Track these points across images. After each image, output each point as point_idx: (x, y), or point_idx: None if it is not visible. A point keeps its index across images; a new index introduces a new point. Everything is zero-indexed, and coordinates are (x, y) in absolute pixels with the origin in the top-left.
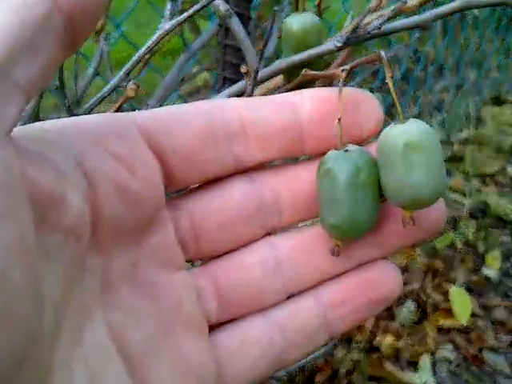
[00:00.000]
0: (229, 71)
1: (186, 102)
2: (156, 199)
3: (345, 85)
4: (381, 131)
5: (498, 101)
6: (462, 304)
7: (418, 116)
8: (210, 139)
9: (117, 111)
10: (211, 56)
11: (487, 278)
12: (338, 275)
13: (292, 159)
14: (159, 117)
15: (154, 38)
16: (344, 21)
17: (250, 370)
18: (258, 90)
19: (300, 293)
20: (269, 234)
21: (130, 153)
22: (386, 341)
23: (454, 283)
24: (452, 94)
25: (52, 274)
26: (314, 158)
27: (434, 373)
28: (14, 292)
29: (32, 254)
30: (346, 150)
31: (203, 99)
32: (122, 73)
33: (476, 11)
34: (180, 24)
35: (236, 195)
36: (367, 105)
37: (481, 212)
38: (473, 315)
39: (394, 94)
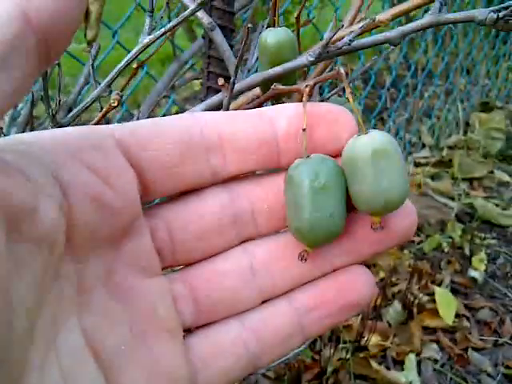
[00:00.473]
0: (213, 81)
1: (181, 107)
2: (132, 209)
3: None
4: None
5: (486, 107)
6: (447, 305)
7: (409, 121)
8: (187, 152)
9: (100, 120)
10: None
11: (473, 280)
12: (313, 280)
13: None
14: (137, 130)
15: (133, 51)
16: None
17: (224, 373)
18: (240, 99)
19: (275, 298)
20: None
21: (107, 165)
22: (373, 340)
23: (441, 284)
24: (441, 100)
25: (24, 280)
26: None
27: (420, 372)
28: None
29: (1, 262)
30: (308, 157)
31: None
32: (103, 84)
33: None
34: (158, 38)
35: (212, 205)
36: (342, 118)
37: (468, 215)
38: (458, 316)
39: (355, 109)
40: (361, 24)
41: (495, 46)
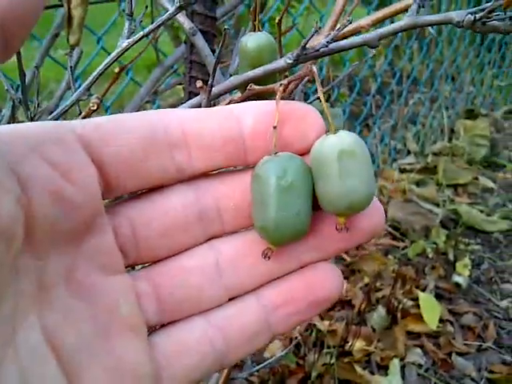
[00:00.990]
0: (194, 86)
1: None
2: (93, 205)
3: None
4: None
5: (471, 114)
6: (430, 309)
7: (394, 128)
8: (151, 148)
9: None
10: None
11: (457, 285)
12: (280, 277)
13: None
14: (100, 125)
15: (112, 55)
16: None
17: (189, 371)
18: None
19: (242, 295)
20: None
21: (67, 160)
22: (357, 345)
23: (425, 290)
24: (426, 107)
25: None
26: None
27: (404, 376)
28: None
29: None
30: (276, 153)
31: None
32: (81, 88)
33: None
34: (137, 42)
35: (177, 202)
36: (310, 117)
37: (453, 221)
38: (442, 321)
39: (326, 109)
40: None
41: (480, 54)
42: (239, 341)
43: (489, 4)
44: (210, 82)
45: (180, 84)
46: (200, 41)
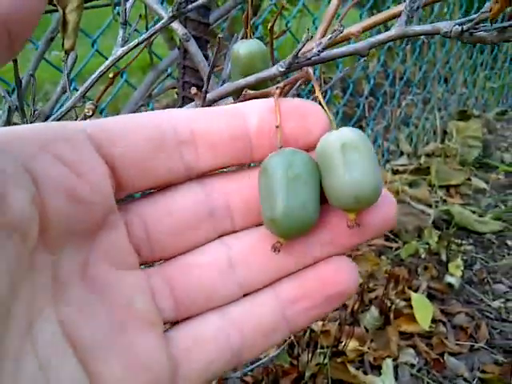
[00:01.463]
0: (188, 91)
1: None
2: (105, 202)
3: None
4: None
5: (464, 115)
6: (423, 310)
7: (387, 129)
8: (160, 147)
9: None
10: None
11: (449, 286)
12: (295, 272)
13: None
14: (109, 125)
15: (106, 63)
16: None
17: (206, 367)
18: None
19: (257, 290)
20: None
21: (78, 158)
22: (351, 345)
23: (418, 290)
24: (419, 109)
25: None
26: None
27: (397, 376)
28: None
29: None
30: (281, 147)
31: None
32: (77, 94)
33: None
34: (131, 50)
35: (187, 200)
36: (313, 113)
37: (445, 222)
38: (435, 321)
39: (325, 108)
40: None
41: (472, 56)
42: (256, 336)
43: (476, 15)
44: (204, 89)
45: (174, 88)
46: (193, 47)
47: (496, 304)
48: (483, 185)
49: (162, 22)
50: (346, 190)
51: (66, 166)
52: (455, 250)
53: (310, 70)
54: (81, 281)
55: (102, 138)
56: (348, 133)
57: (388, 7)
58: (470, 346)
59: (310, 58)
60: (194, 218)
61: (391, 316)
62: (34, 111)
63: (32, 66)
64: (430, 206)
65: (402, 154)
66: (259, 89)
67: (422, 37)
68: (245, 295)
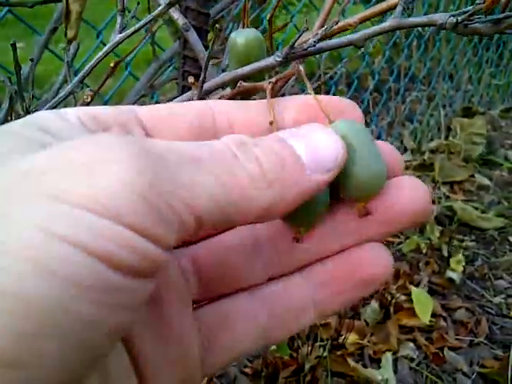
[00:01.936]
0: (187, 80)
1: None
2: None
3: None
4: None
5: (468, 112)
6: (423, 304)
7: (391, 125)
8: (199, 136)
9: None
10: None
11: (450, 281)
12: (325, 258)
13: None
14: (157, 110)
15: (104, 49)
16: None
17: (233, 344)
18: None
19: (286, 274)
20: None
21: None
22: (351, 338)
23: (419, 285)
24: (424, 105)
25: None
26: None
27: (396, 370)
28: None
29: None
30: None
31: None
32: (75, 80)
33: None
34: (128, 37)
35: None
36: (349, 109)
37: (448, 218)
38: (435, 316)
39: (319, 104)
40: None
41: (478, 52)
42: (284, 317)
43: (470, 7)
44: (201, 78)
45: (175, 79)
46: (193, 36)
47: (497, 300)
48: (487, 182)
49: (159, 9)
50: (349, 180)
51: None
52: (457, 245)
53: (301, 67)
54: None
55: (150, 121)
56: (341, 125)
57: None
58: (469, 340)
59: (306, 49)
60: None
61: (391, 310)
62: (33, 96)
63: (36, 55)
64: (433, 201)
65: (405, 150)
66: (257, 78)
67: (427, 33)
68: (273, 279)
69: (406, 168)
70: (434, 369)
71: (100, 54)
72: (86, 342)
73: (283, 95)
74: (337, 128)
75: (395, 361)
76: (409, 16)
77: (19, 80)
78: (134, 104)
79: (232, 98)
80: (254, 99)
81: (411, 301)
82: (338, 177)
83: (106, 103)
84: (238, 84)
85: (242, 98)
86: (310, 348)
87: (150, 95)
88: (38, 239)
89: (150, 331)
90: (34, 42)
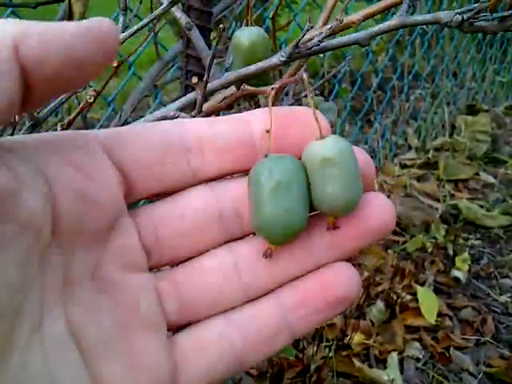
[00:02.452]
0: (191, 80)
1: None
2: (115, 204)
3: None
4: None
5: (472, 109)
6: (429, 304)
7: (395, 123)
8: (167, 153)
9: (77, 115)
10: None
11: (456, 280)
12: (298, 278)
13: None
14: (120, 133)
15: None
16: None
17: (207, 370)
18: (218, 96)
19: (261, 295)
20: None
21: (90, 162)
22: (356, 339)
23: (424, 284)
24: (428, 103)
25: (9, 259)
26: None
27: (402, 370)
28: None
29: None
30: (266, 156)
31: None
32: None
33: None
34: (130, 36)
35: (197, 203)
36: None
37: (453, 216)
38: (441, 315)
39: (314, 114)
40: (329, 26)
41: (481, 49)
42: (258, 341)
43: (476, 5)
44: (205, 78)
45: (179, 78)
46: (196, 35)
47: (503, 298)
48: (491, 179)
49: (162, 7)
50: (323, 201)
51: (78, 170)
52: (462, 244)
53: (305, 75)
54: (90, 281)
55: (113, 144)
56: (329, 145)
57: None
58: (475, 340)
59: (310, 48)
60: (204, 220)
61: (397, 310)
62: None
63: None
64: (437, 200)
65: (410, 148)
66: (261, 76)
67: (430, 30)
68: (249, 301)
69: (411, 166)
70: (440, 368)
71: None
72: None
73: (287, 93)
74: (323, 144)
75: (401, 361)
76: (412, 14)
77: None
78: (137, 104)
79: (236, 100)
80: (259, 100)
81: (417, 300)
82: (315, 191)
83: (109, 103)
84: (242, 87)
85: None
86: (315, 348)
87: (153, 95)
88: None
89: (118, 359)
90: None
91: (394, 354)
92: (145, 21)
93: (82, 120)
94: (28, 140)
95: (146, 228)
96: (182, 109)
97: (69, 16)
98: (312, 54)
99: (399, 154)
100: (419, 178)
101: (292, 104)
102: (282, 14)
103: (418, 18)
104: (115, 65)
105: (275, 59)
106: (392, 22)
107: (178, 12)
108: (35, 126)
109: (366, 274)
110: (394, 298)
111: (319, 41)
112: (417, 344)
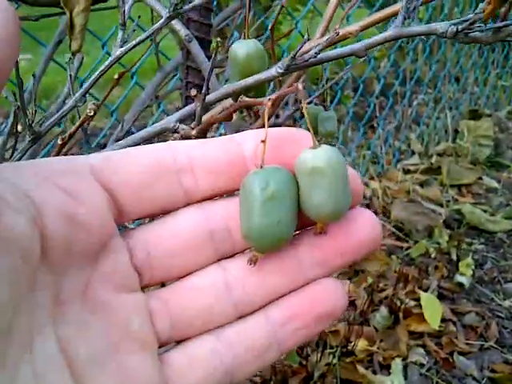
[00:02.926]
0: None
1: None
2: (105, 225)
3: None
4: None
5: (475, 114)
6: (432, 309)
7: (398, 129)
8: (158, 175)
9: (78, 129)
10: None
11: (460, 285)
12: (286, 294)
13: None
14: (110, 156)
15: (106, 63)
16: None
17: None
18: (217, 107)
19: (250, 312)
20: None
21: (79, 186)
22: (360, 345)
23: (428, 290)
24: (430, 108)
25: None
26: None
27: (406, 376)
28: None
29: None
30: (262, 166)
31: None
32: (76, 95)
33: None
34: (129, 50)
35: (188, 223)
36: (304, 139)
37: (456, 221)
38: (445, 320)
39: (308, 124)
40: (326, 37)
41: (483, 54)
42: (248, 356)
43: (470, 16)
44: (203, 91)
45: (180, 89)
46: (195, 47)
47: (507, 303)
48: (495, 184)
49: (160, 22)
50: (310, 208)
51: (66, 194)
52: (466, 249)
53: (301, 86)
54: (81, 301)
55: (103, 167)
56: (320, 155)
57: None
58: (479, 345)
59: (307, 60)
60: (195, 240)
61: (401, 315)
62: (35, 112)
63: (40, 68)
64: (441, 205)
65: (413, 153)
66: (258, 89)
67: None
68: (239, 317)
69: (414, 172)
70: (444, 374)
71: (101, 68)
72: None
73: (287, 103)
74: (315, 153)
75: (405, 367)
76: (409, 24)
77: (21, 95)
78: (140, 113)
79: (233, 111)
80: (257, 110)
81: (420, 306)
82: (304, 197)
83: (112, 113)
84: (240, 99)
85: (245, 109)
86: (319, 355)
87: (156, 104)
88: None
89: (108, 377)
90: (42, 53)
91: (398, 360)
92: (143, 36)
93: (83, 132)
94: (17, 166)
95: (138, 248)
96: (181, 120)
97: (70, 28)
98: (309, 65)
99: (402, 159)
100: (422, 184)
101: (292, 113)
102: (284, 22)
103: (413, 29)
104: (116, 77)
105: (273, 71)
106: (387, 33)
107: (177, 24)
108: (36, 140)
109: (369, 280)
110: (398, 303)
111: (316, 53)
112: (421, 350)
